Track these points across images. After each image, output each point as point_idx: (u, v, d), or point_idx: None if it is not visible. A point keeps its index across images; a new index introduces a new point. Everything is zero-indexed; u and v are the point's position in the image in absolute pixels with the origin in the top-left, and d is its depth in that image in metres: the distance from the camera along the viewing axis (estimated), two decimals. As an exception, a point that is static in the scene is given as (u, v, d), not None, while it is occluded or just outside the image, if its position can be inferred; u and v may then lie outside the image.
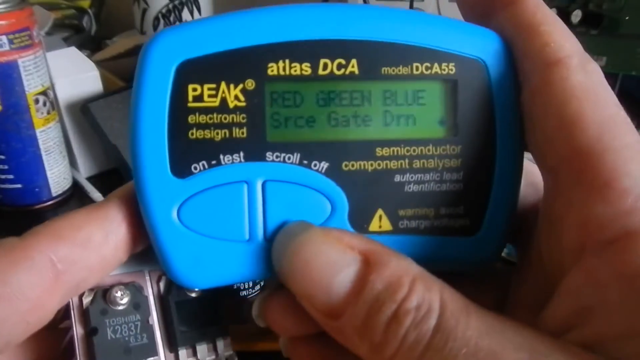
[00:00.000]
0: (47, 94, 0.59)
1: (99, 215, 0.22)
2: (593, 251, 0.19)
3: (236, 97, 0.22)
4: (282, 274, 0.21)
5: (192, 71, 0.21)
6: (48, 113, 0.60)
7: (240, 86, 0.22)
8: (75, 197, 0.65)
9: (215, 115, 0.22)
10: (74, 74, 0.65)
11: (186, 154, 0.21)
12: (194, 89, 0.21)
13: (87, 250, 0.21)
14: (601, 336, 0.18)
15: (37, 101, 0.58)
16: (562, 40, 0.21)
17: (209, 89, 0.21)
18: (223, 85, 0.22)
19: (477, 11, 0.23)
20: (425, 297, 0.19)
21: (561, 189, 0.20)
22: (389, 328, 0.19)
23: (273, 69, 0.22)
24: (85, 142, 0.67)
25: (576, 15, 0.64)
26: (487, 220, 0.23)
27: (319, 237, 0.21)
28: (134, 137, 0.21)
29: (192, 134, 0.21)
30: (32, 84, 0.57)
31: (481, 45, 0.22)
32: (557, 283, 0.20)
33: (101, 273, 0.22)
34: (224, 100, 0.22)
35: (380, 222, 0.23)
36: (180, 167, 0.21)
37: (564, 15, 0.65)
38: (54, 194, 0.63)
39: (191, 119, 0.21)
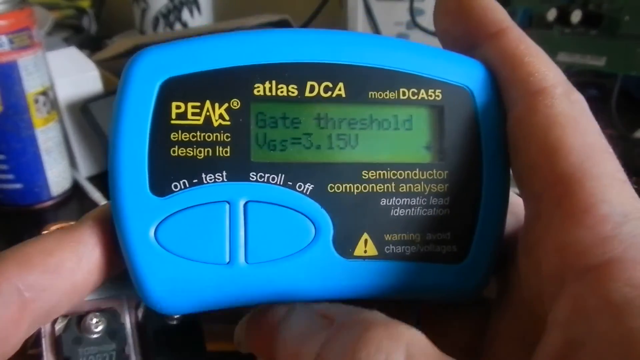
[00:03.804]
0: (47, 94, 0.59)
1: (71, 238, 0.21)
2: (574, 278, 0.19)
3: (221, 116, 0.21)
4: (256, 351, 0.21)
5: (176, 89, 0.21)
6: (48, 113, 0.60)
7: (226, 105, 0.21)
8: (75, 197, 0.66)
9: (198, 133, 0.21)
10: (74, 74, 0.65)
11: (167, 171, 0.21)
12: (178, 107, 0.21)
13: (58, 277, 0.20)
14: None
15: (37, 101, 0.58)
16: (546, 70, 0.21)
17: (193, 107, 0.21)
18: (208, 103, 0.21)
19: (459, 44, 0.23)
20: (392, 348, 0.18)
21: (541, 215, 0.20)
22: None
23: (259, 89, 0.21)
24: (85, 142, 0.67)
25: (576, 15, 0.64)
26: (474, 248, 0.23)
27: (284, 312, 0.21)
28: (113, 152, 0.21)
29: (174, 151, 0.21)
30: (32, 84, 0.57)
31: (467, 74, 0.23)
32: (539, 312, 0.20)
33: (73, 300, 0.21)
34: (208, 119, 0.21)
35: (365, 246, 0.22)
36: (160, 185, 0.21)
37: (564, 15, 0.65)
38: (54, 194, 0.63)
39: (173, 136, 0.21)
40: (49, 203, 0.63)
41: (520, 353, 0.21)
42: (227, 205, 0.21)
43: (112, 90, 0.65)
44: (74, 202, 0.65)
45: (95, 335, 0.22)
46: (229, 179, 0.21)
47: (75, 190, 0.66)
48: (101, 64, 0.70)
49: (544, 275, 0.20)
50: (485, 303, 0.25)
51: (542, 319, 0.20)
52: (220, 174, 0.21)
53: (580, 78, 0.76)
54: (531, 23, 0.71)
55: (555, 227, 0.20)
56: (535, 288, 0.21)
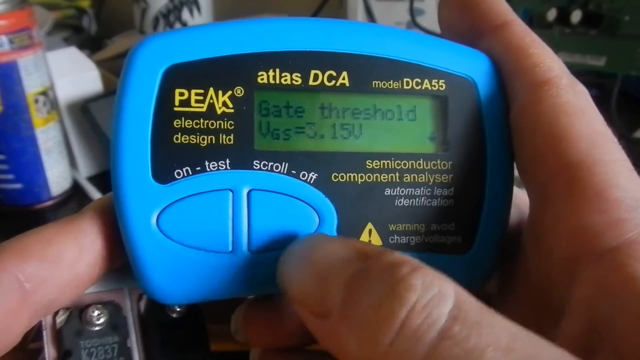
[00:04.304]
0: (47, 94, 0.59)
1: (72, 229, 0.20)
2: (591, 260, 0.19)
3: (224, 104, 0.21)
4: (282, 277, 0.20)
5: (179, 75, 0.21)
6: (48, 113, 0.60)
7: (229, 93, 0.21)
8: (75, 197, 0.65)
9: (201, 120, 0.21)
10: (74, 74, 0.65)
11: (170, 158, 0.21)
12: (181, 94, 0.21)
13: (59, 268, 0.20)
14: (630, 348, 0.17)
15: (37, 101, 0.58)
16: (551, 62, 0.22)
17: (197, 94, 0.21)
18: (211, 91, 0.21)
19: (462, 37, 0.24)
20: (435, 280, 0.16)
21: (550, 202, 0.20)
22: (386, 308, 0.16)
23: (263, 77, 0.21)
24: (85, 142, 0.67)
25: (576, 15, 0.64)
26: (478, 238, 0.23)
27: (323, 239, 0.20)
28: (115, 138, 0.21)
29: (177, 138, 0.21)
30: (32, 84, 0.57)
31: (471, 65, 0.23)
32: (547, 301, 0.20)
33: (74, 292, 0.21)
34: (211, 106, 0.21)
35: (369, 236, 0.22)
36: (163, 172, 0.21)
37: (564, 15, 0.65)
38: (54, 194, 0.63)
39: (176, 123, 0.21)
40: (49, 203, 0.63)
41: None
42: (230, 193, 0.21)
43: (112, 90, 0.65)
44: (74, 202, 0.65)
45: (97, 328, 0.22)
46: (233, 166, 0.21)
47: (75, 190, 0.66)
48: (101, 64, 0.70)
49: (555, 262, 0.20)
50: (485, 298, 0.25)
51: (551, 307, 0.20)
52: (223, 162, 0.21)
53: (580, 78, 0.76)
54: (531, 23, 0.71)
55: (566, 212, 0.20)
56: (545, 276, 0.21)
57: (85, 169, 0.68)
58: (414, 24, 0.77)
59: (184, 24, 0.82)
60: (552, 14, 0.66)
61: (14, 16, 0.55)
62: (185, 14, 0.81)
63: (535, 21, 0.71)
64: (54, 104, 0.61)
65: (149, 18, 0.80)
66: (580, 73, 0.80)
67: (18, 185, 0.60)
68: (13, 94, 0.57)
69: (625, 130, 0.67)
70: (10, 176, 0.60)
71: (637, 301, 0.17)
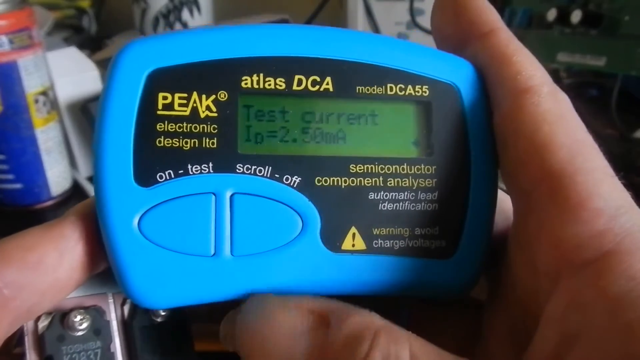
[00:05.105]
0: (47, 94, 0.60)
1: (53, 233, 0.20)
2: (571, 273, 0.19)
3: (208, 108, 0.21)
4: (236, 346, 0.20)
5: (163, 79, 0.21)
6: (48, 113, 0.60)
7: (213, 97, 0.21)
8: (75, 197, 0.65)
9: (185, 124, 0.21)
10: (74, 74, 0.65)
11: (152, 162, 0.21)
12: (165, 97, 0.21)
13: (39, 273, 0.20)
14: None
15: (37, 101, 0.58)
16: (533, 70, 0.22)
17: (180, 97, 0.21)
18: (195, 95, 0.21)
19: (451, 42, 0.24)
20: (392, 349, 0.18)
21: (533, 211, 0.20)
22: None
23: (247, 81, 0.21)
24: (85, 142, 0.67)
25: (576, 15, 0.64)
26: (463, 243, 0.23)
27: (277, 308, 0.20)
28: (98, 141, 0.21)
29: (160, 142, 0.21)
30: (32, 84, 0.58)
31: (454, 71, 0.23)
32: (533, 309, 0.20)
33: (56, 297, 0.21)
34: (194, 110, 0.21)
35: (353, 240, 0.22)
36: (145, 175, 0.21)
37: (564, 15, 0.65)
38: (53, 194, 0.63)
39: (160, 126, 0.21)
40: (49, 203, 0.63)
41: (513, 353, 0.21)
42: (213, 197, 0.21)
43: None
44: (74, 202, 0.64)
45: (79, 333, 0.22)
46: (215, 170, 0.21)
47: (75, 190, 0.66)
48: (101, 64, 0.70)
49: (539, 272, 0.20)
50: (476, 305, 0.25)
51: (537, 316, 0.20)
52: (206, 165, 0.21)
53: (580, 78, 0.76)
54: (531, 23, 0.71)
55: (549, 222, 0.20)
56: (530, 285, 0.21)
57: (85, 169, 0.68)
58: (413, 24, 0.77)
59: (184, 24, 0.82)
60: (552, 14, 0.66)
61: (14, 16, 0.55)
62: (185, 14, 0.81)
63: (535, 21, 0.70)
64: (54, 104, 0.61)
65: (149, 18, 0.80)
66: (580, 73, 0.80)
67: (18, 185, 0.61)
68: (13, 94, 0.57)
69: (625, 130, 0.67)
70: (10, 176, 0.60)
71: (606, 317, 0.18)
